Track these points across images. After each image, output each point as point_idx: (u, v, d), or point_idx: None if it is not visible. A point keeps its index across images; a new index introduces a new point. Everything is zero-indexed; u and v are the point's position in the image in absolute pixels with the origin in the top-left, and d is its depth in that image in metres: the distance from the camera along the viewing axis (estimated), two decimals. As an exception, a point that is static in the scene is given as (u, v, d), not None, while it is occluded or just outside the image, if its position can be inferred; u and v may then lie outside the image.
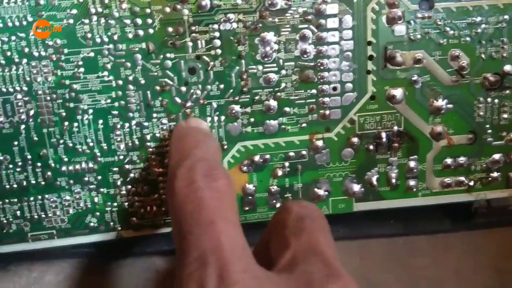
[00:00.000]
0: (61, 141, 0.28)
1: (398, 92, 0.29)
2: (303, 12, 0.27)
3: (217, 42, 0.27)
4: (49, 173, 0.28)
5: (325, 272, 0.19)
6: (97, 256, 0.31)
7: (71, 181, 0.29)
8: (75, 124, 0.28)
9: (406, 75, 0.28)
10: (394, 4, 0.27)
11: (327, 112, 0.29)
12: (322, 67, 0.28)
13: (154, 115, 0.28)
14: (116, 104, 0.28)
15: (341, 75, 0.28)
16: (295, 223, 0.22)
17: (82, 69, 0.27)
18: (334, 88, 0.28)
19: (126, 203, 0.29)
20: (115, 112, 0.28)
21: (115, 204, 0.29)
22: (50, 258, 0.31)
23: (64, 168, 0.29)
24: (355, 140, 0.29)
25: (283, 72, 0.28)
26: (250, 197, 0.30)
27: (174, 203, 0.23)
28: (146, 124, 0.28)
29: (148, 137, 0.29)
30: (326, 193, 0.30)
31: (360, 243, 0.32)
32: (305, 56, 0.28)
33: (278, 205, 0.30)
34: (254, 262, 0.20)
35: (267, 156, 0.29)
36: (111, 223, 0.30)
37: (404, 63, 0.28)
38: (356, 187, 0.30)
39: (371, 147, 0.30)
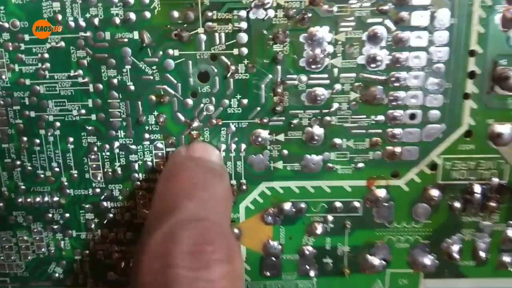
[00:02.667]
0: (18, 163, 0.23)
1: (506, 129, 0.22)
2: (376, -2, 0.21)
3: (243, 37, 0.21)
4: (0, 204, 0.24)
5: None
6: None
7: (30, 217, 0.24)
8: (37, 141, 0.23)
9: (521, 105, 0.22)
10: (517, -3, 0.21)
11: (398, 149, 0.23)
12: (397, 84, 0.22)
13: (146, 135, 0.23)
14: (93, 116, 0.23)
15: (425, 97, 0.22)
16: None
17: (48, 65, 0.22)
18: (412, 116, 0.22)
19: (102, 252, 0.25)
20: (91, 128, 0.23)
21: (87, 251, 0.25)
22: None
23: (20, 199, 0.24)
24: (434, 193, 0.23)
25: (338, 87, 0.22)
26: (273, 259, 0.24)
27: None
28: (133, 147, 0.23)
29: (136, 165, 0.23)
30: (384, 263, 0.25)
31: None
32: (374, 65, 0.22)
33: (312, 273, 0.25)
34: None
35: (303, 205, 0.24)
36: (81, 276, 0.25)
37: (522, 87, 0.22)
38: (428, 259, 0.24)
39: (457, 204, 0.24)
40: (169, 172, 0.20)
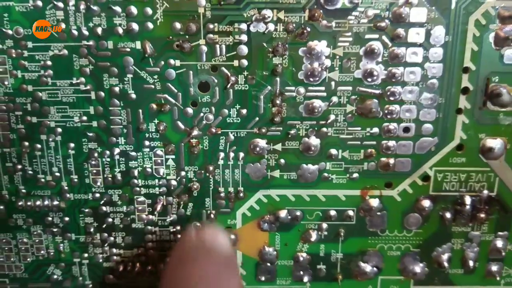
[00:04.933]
0: (19, 167, 0.23)
1: (497, 144, 0.23)
2: (374, 15, 0.21)
3: (244, 49, 0.21)
4: (1, 207, 0.24)
5: None
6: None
7: (30, 220, 0.24)
8: (38, 146, 0.23)
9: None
10: (510, 18, 0.21)
11: (391, 160, 0.23)
12: (392, 98, 0.22)
13: (146, 143, 0.23)
14: (95, 123, 0.23)
15: (419, 111, 0.22)
16: None
17: (50, 72, 0.22)
18: (406, 129, 0.23)
19: (101, 255, 0.25)
20: (92, 135, 0.23)
21: (86, 255, 0.25)
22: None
23: (21, 202, 0.24)
24: (426, 203, 0.24)
25: (335, 99, 0.22)
26: (268, 264, 0.25)
27: None
28: (134, 154, 0.23)
29: (136, 172, 0.23)
30: (375, 270, 0.25)
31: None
32: (370, 79, 0.22)
33: (305, 278, 0.25)
34: None
35: (298, 213, 0.24)
36: (80, 278, 0.25)
37: (512, 104, 0.22)
38: (418, 267, 0.25)
39: (448, 215, 0.24)
40: (177, 262, 0.18)
